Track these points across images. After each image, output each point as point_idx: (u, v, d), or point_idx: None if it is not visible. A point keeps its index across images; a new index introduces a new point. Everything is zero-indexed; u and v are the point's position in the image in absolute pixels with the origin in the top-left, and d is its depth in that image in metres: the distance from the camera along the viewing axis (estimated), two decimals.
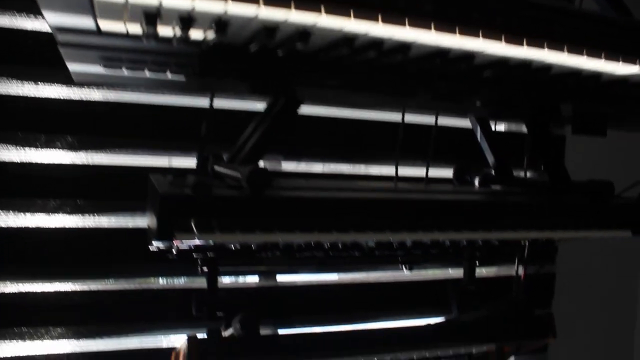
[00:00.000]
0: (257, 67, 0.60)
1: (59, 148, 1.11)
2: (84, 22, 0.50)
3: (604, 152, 1.63)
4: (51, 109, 1.09)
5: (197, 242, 0.68)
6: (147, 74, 0.65)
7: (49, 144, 1.10)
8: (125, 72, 0.65)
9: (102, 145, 1.14)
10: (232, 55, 0.56)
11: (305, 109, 1.25)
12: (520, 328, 1.00)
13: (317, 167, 1.31)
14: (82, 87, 1.09)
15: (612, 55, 0.56)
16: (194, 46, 0.54)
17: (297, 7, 0.42)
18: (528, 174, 1.48)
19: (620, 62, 0.56)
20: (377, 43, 0.50)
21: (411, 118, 1.33)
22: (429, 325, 1.04)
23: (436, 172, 1.39)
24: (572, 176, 0.94)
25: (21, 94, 1.08)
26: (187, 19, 0.45)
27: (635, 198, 0.93)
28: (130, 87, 1.08)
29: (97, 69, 0.64)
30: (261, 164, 0.77)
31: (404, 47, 0.51)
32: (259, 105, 0.85)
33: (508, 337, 0.98)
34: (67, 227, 1.12)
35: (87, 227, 1.14)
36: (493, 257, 1.49)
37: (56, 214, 1.12)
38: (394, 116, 1.34)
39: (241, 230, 0.65)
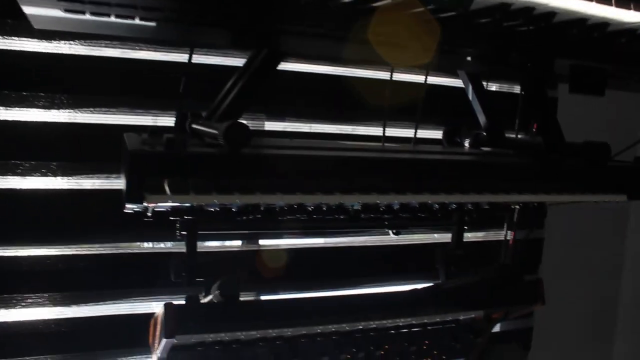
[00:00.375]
0: (234, 11, 0.54)
1: (32, 107, 1.05)
2: None
3: (595, 116, 1.60)
4: (21, 63, 1.03)
5: (172, 203, 0.64)
6: (114, 19, 0.59)
7: (21, 102, 1.04)
8: (89, 17, 0.59)
9: (77, 103, 1.08)
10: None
11: (290, 66, 1.22)
12: (509, 294, 0.98)
13: (303, 127, 1.27)
14: (51, 40, 1.03)
15: (622, 1, 0.51)
16: None
17: None
18: (521, 136, 1.45)
19: (632, 9, 0.52)
20: None
21: (400, 76, 1.28)
22: (415, 292, 1.01)
23: (426, 133, 1.35)
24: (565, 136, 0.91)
25: None
26: None
27: (631, 162, 0.90)
28: (97, 38, 1.02)
29: (57, 13, 0.58)
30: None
31: None
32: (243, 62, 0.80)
33: (496, 304, 0.95)
34: (41, 189, 1.07)
35: (61, 189, 1.09)
36: (482, 222, 1.46)
37: (30, 177, 1.07)
38: (382, 74, 1.29)
39: (218, 191, 0.61)
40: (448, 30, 0.60)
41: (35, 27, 0.65)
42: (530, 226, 1.50)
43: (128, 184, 0.59)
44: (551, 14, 0.54)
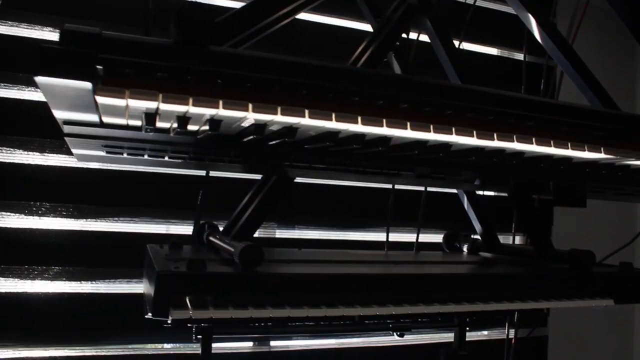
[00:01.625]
0: (249, 154, 0.64)
1: (59, 216, 1.15)
2: (89, 117, 0.54)
3: (591, 213, 1.67)
4: (52, 176, 1.13)
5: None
6: (147, 157, 0.69)
7: (52, 212, 1.14)
8: (125, 156, 0.69)
9: (100, 212, 1.17)
10: (226, 143, 0.60)
11: (298, 179, 1.31)
12: None
13: (312, 234, 1.35)
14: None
15: (577, 145, 0.60)
16: (190, 135, 0.59)
17: (283, 113, 0.47)
18: (517, 237, 1.52)
19: (586, 150, 0.61)
20: (358, 136, 0.54)
21: (402, 186, 1.37)
22: None
23: (427, 237, 1.43)
24: (564, 237, 0.98)
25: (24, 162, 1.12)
26: (183, 118, 0.50)
27: (617, 266, 0.96)
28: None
29: (99, 153, 0.68)
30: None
31: (383, 140, 0.55)
32: (257, 176, 0.89)
33: None
34: (66, 292, 1.15)
35: (84, 292, 1.16)
36: (484, 321, 1.50)
37: (56, 281, 1.14)
38: (385, 185, 1.38)
39: (234, 306, 0.68)
40: (436, 165, 0.69)
41: (79, 161, 0.75)
42: (532, 325, 1.54)
43: (156, 300, 0.67)
44: (520, 153, 0.63)
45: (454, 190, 1.17)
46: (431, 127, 0.52)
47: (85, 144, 0.63)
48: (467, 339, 1.11)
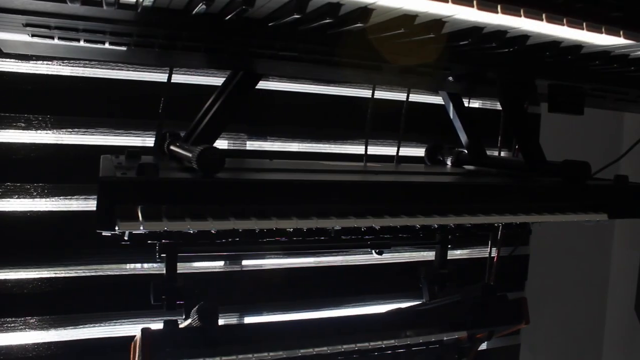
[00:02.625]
0: (204, 36, 0.53)
1: (11, 128, 1.04)
2: None
3: (580, 129, 1.60)
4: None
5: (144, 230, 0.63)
6: (83, 43, 0.58)
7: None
8: (57, 42, 0.58)
9: (57, 124, 1.07)
10: (173, 21, 0.50)
11: (272, 84, 1.21)
12: (493, 314, 0.97)
13: (285, 146, 1.26)
14: (28, 60, 1.02)
15: (594, 26, 0.50)
16: (128, 10, 0.48)
17: None
18: (502, 153, 1.45)
19: (603, 33, 0.51)
20: (332, 7, 0.44)
21: (382, 94, 1.28)
22: (398, 312, 1.01)
23: (409, 151, 1.35)
24: (547, 152, 0.91)
25: None
26: None
27: (611, 180, 0.89)
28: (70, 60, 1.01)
29: (24, 37, 0.57)
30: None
31: (363, 12, 0.45)
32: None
33: (480, 324, 0.94)
34: (20, 211, 1.06)
35: (41, 211, 1.07)
36: (466, 239, 1.46)
37: (10, 199, 1.05)
38: (364, 92, 1.29)
39: (192, 217, 0.60)
40: (424, 53, 0.59)
41: (4, 51, 0.64)
42: (515, 243, 1.49)
43: (99, 211, 0.58)
44: (524, 37, 0.53)
45: (438, 101, 1.08)
46: None
47: (2, 22, 0.51)
48: (447, 259, 1.06)
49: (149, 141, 1.14)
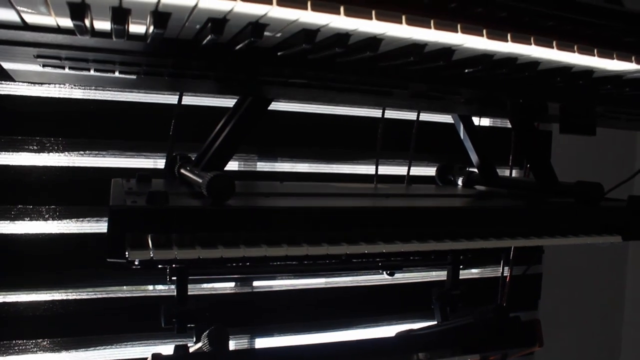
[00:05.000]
0: (213, 65, 0.53)
1: (23, 151, 1.04)
2: (7, 15, 0.44)
3: (592, 147, 1.59)
4: (11, 107, 1.02)
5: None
6: (93, 72, 0.58)
7: (12, 146, 1.04)
8: (68, 71, 0.58)
9: (68, 146, 1.07)
10: (182, 51, 0.50)
11: (281, 105, 1.21)
12: (506, 337, 0.95)
13: (296, 167, 1.26)
14: (41, 84, 1.03)
15: (605, 52, 0.50)
16: (137, 41, 0.48)
17: None
18: (514, 171, 1.44)
19: (615, 59, 0.51)
20: (341, 37, 0.44)
21: (392, 114, 1.28)
22: (409, 336, 0.99)
23: (419, 170, 1.35)
24: (559, 171, 0.90)
25: None
26: (119, 10, 0.39)
27: (624, 201, 0.88)
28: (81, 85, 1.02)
29: (35, 67, 0.58)
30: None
31: (373, 42, 0.45)
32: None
33: (493, 347, 0.93)
34: (31, 233, 1.06)
35: (52, 233, 1.08)
36: (478, 260, 1.44)
37: (21, 221, 1.05)
38: (374, 112, 1.29)
39: (202, 245, 0.60)
40: (434, 80, 0.59)
41: (16, 79, 0.64)
42: (528, 262, 1.48)
43: (108, 239, 0.58)
44: (535, 63, 0.53)
45: (448, 120, 1.07)
46: (432, 22, 0.42)
47: (14, 54, 0.52)
48: (459, 280, 1.05)
49: (159, 162, 1.15)
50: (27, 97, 1.03)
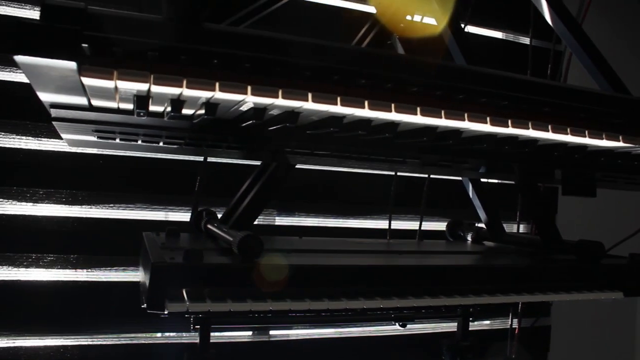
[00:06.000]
0: (248, 140, 0.61)
1: (54, 202, 1.12)
2: (78, 100, 0.51)
3: (596, 203, 1.64)
4: (45, 161, 1.10)
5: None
6: (140, 142, 0.66)
7: (45, 199, 1.11)
8: (118, 141, 0.66)
9: (94, 199, 1.14)
10: (223, 128, 0.57)
11: (298, 164, 1.28)
12: None
13: (314, 222, 1.32)
14: None
15: (595, 133, 0.57)
16: (185, 120, 0.55)
17: (284, 96, 0.43)
18: (521, 226, 1.49)
19: (604, 139, 0.57)
20: (364, 122, 0.51)
21: (405, 173, 1.34)
22: None
23: (430, 225, 1.40)
24: (566, 225, 0.95)
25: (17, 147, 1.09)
26: (177, 101, 0.46)
27: (626, 258, 0.93)
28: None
29: (90, 138, 0.65)
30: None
31: (391, 125, 0.52)
32: (257, 161, 0.86)
33: None
34: (61, 280, 1.12)
35: (79, 280, 1.14)
36: (488, 311, 1.48)
37: (50, 269, 1.12)
38: (387, 171, 1.35)
39: (232, 298, 0.65)
40: (444, 152, 0.66)
41: (70, 146, 0.72)
42: (537, 314, 1.51)
43: (150, 292, 0.64)
44: (534, 140, 0.60)
45: (458, 177, 1.14)
46: (442, 112, 0.49)
47: (75, 129, 0.59)
48: (469, 331, 1.09)
49: (170, 214, 1.21)
50: (55, 153, 1.10)
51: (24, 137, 1.08)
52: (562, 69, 1.45)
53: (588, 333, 1.70)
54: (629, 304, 1.82)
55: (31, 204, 1.10)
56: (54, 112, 0.55)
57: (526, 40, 1.56)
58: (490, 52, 1.62)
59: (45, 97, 0.51)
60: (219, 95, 0.43)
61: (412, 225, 1.38)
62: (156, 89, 0.43)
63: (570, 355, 1.66)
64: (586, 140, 0.57)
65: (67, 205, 1.13)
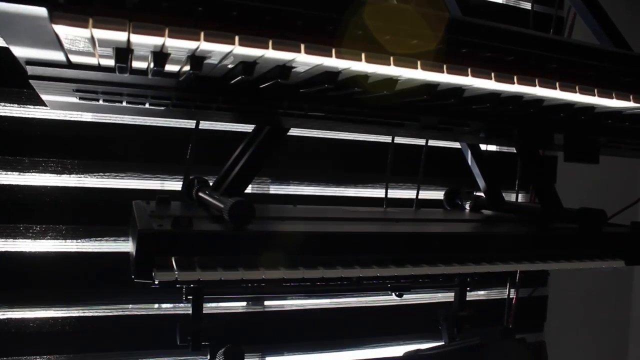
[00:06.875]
0: (238, 99, 0.57)
1: (45, 172, 1.09)
2: (54, 55, 0.48)
3: (597, 170, 1.62)
4: (35, 130, 1.07)
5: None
6: (125, 104, 0.63)
7: (34, 167, 1.08)
8: (102, 102, 0.62)
9: (86, 168, 1.11)
10: (212, 87, 0.54)
11: (294, 130, 1.25)
12: (512, 358, 0.97)
13: (309, 190, 1.29)
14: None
15: (605, 92, 0.54)
16: (171, 78, 0.52)
17: (275, 47, 0.40)
18: (520, 195, 1.47)
19: (614, 98, 0.54)
20: (361, 78, 0.48)
21: (401, 139, 1.31)
22: (416, 356, 1.02)
23: (428, 194, 1.38)
24: (565, 194, 0.93)
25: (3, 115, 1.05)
26: (160, 54, 0.43)
27: (627, 226, 0.91)
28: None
29: (72, 99, 0.62)
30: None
31: (389, 82, 0.49)
32: (250, 127, 0.83)
33: None
34: (50, 251, 1.10)
35: (70, 251, 1.11)
36: (485, 281, 1.47)
37: (40, 240, 1.09)
38: (384, 137, 1.32)
39: (223, 267, 0.63)
40: (444, 114, 0.63)
41: (51, 109, 0.68)
42: (534, 284, 1.50)
43: (137, 261, 0.61)
44: (539, 100, 0.57)
45: (456, 145, 1.11)
46: (444, 67, 0.45)
47: (55, 89, 0.56)
48: (466, 301, 1.08)
49: (166, 184, 1.19)
50: (47, 121, 1.07)
51: (7, 104, 1.05)
52: (564, 34, 1.41)
53: (585, 303, 1.70)
54: (626, 275, 1.81)
55: (17, 173, 1.07)
56: (30, 70, 0.52)
57: (527, 5, 1.52)
58: (490, 18, 1.57)
59: (20, 52, 0.47)
60: (204, 46, 0.40)
61: (410, 194, 1.35)
62: (136, 38, 0.39)
63: (567, 325, 1.65)
64: (595, 100, 0.54)
65: (55, 175, 1.09)
